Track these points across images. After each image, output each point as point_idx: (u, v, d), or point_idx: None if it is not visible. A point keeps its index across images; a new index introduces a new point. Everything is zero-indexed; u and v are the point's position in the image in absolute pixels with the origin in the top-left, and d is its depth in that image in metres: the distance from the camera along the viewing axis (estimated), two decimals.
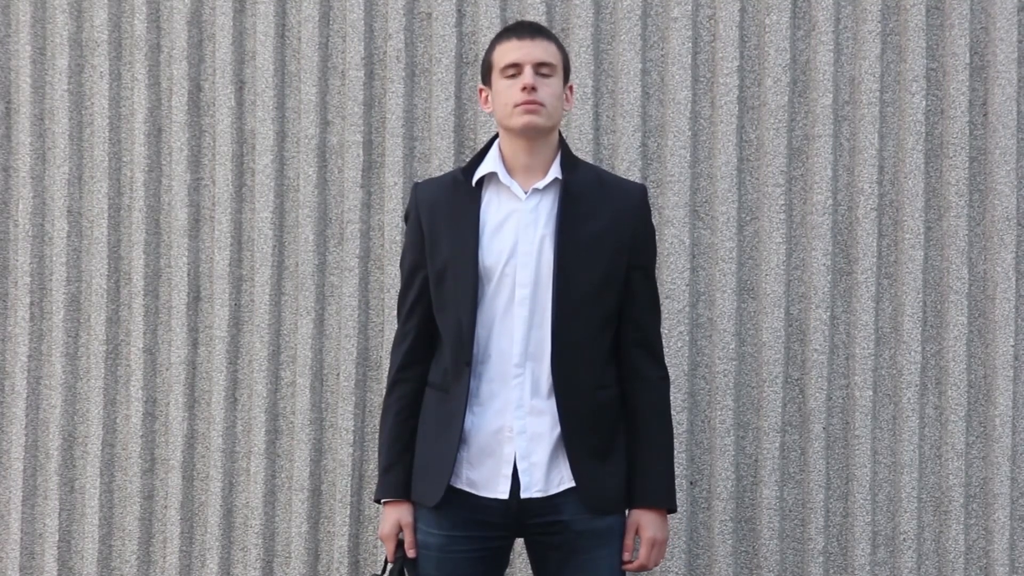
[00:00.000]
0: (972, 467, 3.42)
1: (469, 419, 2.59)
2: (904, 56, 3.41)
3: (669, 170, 3.40)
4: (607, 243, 2.57)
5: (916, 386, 3.39)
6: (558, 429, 2.56)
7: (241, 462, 3.52)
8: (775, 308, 3.38)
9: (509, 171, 2.60)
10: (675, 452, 3.35)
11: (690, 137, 3.40)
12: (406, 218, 2.70)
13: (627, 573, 2.63)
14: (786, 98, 3.39)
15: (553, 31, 3.41)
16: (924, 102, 3.40)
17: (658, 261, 3.40)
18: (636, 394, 2.63)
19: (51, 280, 3.59)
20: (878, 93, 3.39)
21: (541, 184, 2.57)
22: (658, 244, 3.41)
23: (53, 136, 3.60)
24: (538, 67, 2.54)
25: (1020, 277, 3.42)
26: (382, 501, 2.64)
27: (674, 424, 3.35)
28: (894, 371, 3.41)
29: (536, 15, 3.40)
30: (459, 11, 3.44)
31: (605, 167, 3.41)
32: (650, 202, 3.41)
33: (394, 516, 2.61)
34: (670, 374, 3.36)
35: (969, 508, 3.42)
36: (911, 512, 3.39)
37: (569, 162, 2.61)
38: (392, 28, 3.46)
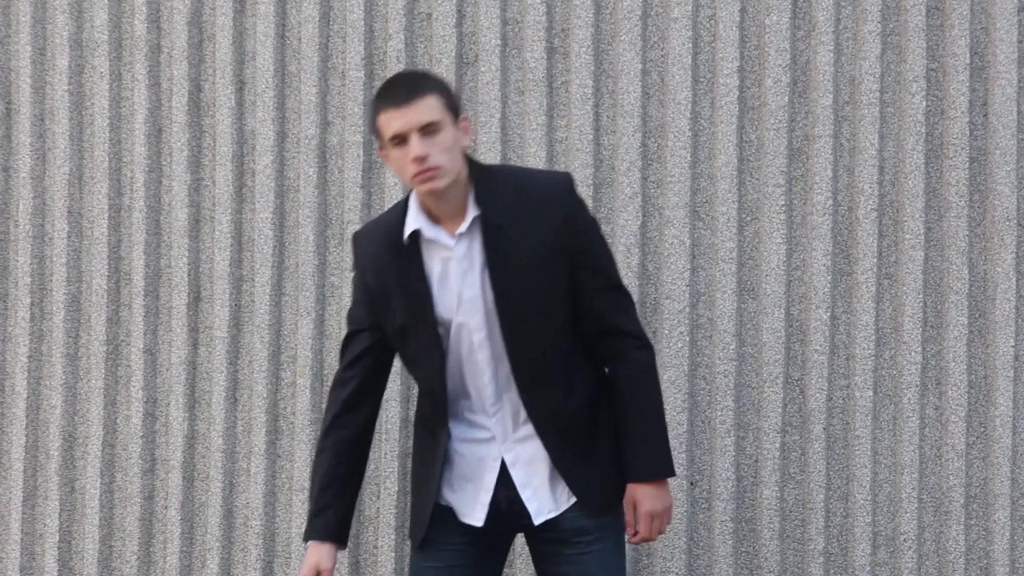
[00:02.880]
0: (972, 467, 3.42)
1: (453, 448, 2.63)
2: (904, 56, 3.41)
3: (669, 170, 3.40)
4: (542, 260, 2.52)
5: (916, 386, 3.39)
6: (540, 451, 2.59)
7: (241, 463, 3.52)
8: (775, 308, 3.38)
9: (433, 219, 2.54)
10: (675, 451, 3.35)
11: (690, 137, 3.40)
12: (353, 267, 2.68)
13: (633, 548, 2.65)
14: (786, 98, 3.39)
15: (552, 32, 3.42)
16: (924, 102, 3.40)
17: (658, 261, 3.40)
18: (617, 374, 2.62)
19: (51, 280, 3.59)
20: (878, 93, 3.39)
21: (463, 228, 2.51)
22: (658, 244, 3.41)
23: (53, 136, 3.60)
24: (423, 129, 2.43)
25: (1020, 277, 3.42)
26: (306, 543, 2.68)
27: (674, 424, 3.36)
28: (894, 371, 3.41)
29: (536, 15, 3.40)
30: (459, 11, 3.44)
31: (605, 168, 3.41)
32: (647, 202, 3.40)
33: (313, 559, 2.64)
34: (670, 374, 3.37)
35: (969, 508, 3.41)
36: (911, 512, 3.39)
37: (484, 191, 2.52)
38: (392, 28, 3.46)
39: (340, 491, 2.65)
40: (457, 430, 2.63)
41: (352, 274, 2.72)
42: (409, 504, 2.77)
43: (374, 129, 2.51)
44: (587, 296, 2.57)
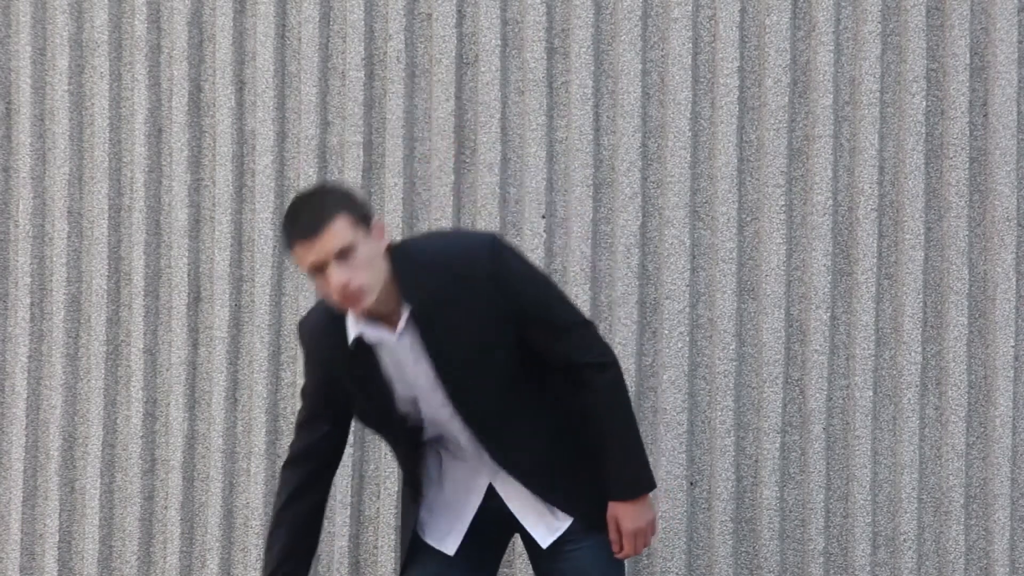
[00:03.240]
0: (972, 467, 3.42)
1: (440, 473, 2.65)
2: (904, 57, 3.41)
3: (669, 171, 3.40)
4: (484, 334, 2.46)
5: (916, 387, 3.39)
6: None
7: (242, 463, 3.52)
8: (775, 309, 3.38)
9: (373, 317, 2.48)
10: (675, 451, 3.35)
11: (690, 138, 3.40)
12: (303, 357, 2.64)
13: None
14: (786, 99, 3.39)
15: (552, 32, 3.42)
16: (924, 102, 3.40)
17: (658, 261, 3.40)
18: (584, 402, 2.56)
19: (51, 281, 3.59)
20: (878, 94, 3.39)
21: (400, 326, 2.44)
22: (658, 244, 3.41)
23: (53, 137, 3.60)
24: (338, 255, 2.34)
25: (1020, 277, 3.42)
26: None
27: (674, 424, 3.36)
28: (894, 372, 3.41)
29: (536, 16, 3.40)
30: (459, 11, 3.44)
31: (605, 168, 3.41)
32: (647, 203, 3.40)
33: None
34: (670, 374, 3.37)
35: (969, 509, 3.42)
36: (911, 513, 3.39)
37: (410, 284, 2.44)
38: (392, 29, 3.46)
39: (297, 564, 2.64)
40: (445, 460, 2.64)
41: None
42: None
43: (290, 255, 2.46)
44: (544, 345, 2.52)
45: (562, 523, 2.59)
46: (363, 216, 2.39)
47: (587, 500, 2.60)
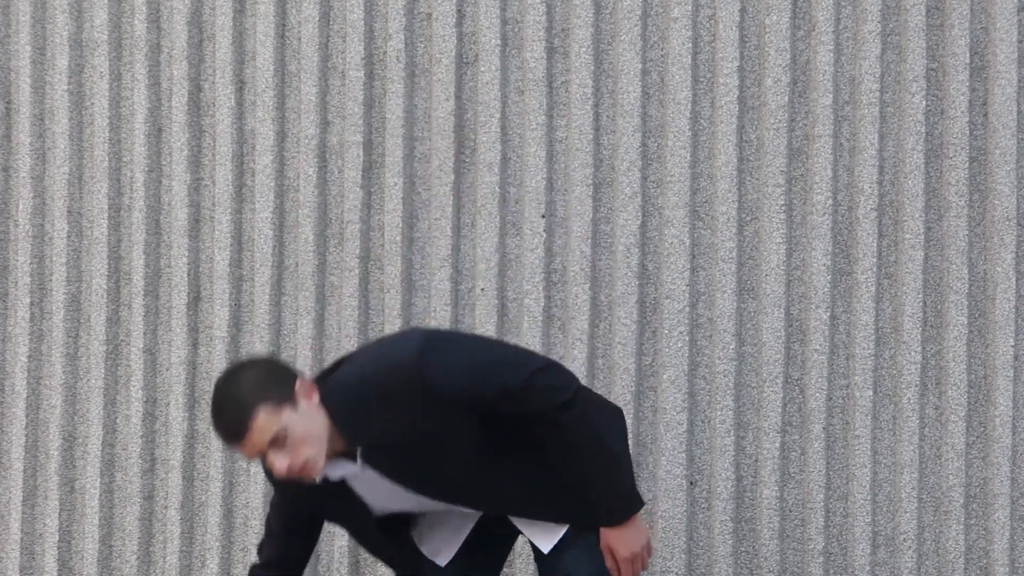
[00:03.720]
0: (972, 467, 3.42)
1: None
2: (904, 56, 3.41)
3: (669, 170, 3.40)
4: (439, 437, 2.40)
5: (916, 386, 3.39)
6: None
7: (242, 462, 3.52)
8: (775, 308, 3.38)
9: (333, 458, 2.45)
10: (675, 451, 3.35)
11: (690, 137, 3.40)
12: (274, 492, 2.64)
13: None
14: (786, 98, 3.39)
15: (552, 32, 3.42)
16: (924, 102, 3.40)
17: (658, 261, 3.40)
18: (556, 439, 2.49)
19: (51, 280, 3.59)
20: (878, 93, 3.39)
21: (359, 464, 2.43)
22: (658, 245, 3.41)
23: (53, 136, 3.60)
24: (271, 444, 2.31)
25: (1020, 277, 3.42)
26: None
27: (674, 424, 3.36)
28: (894, 371, 3.41)
29: (536, 15, 3.40)
30: (459, 11, 3.44)
31: (605, 168, 3.41)
32: (647, 202, 3.41)
33: None
34: (670, 374, 3.37)
35: (969, 508, 3.42)
36: (911, 512, 3.39)
37: (351, 427, 2.39)
38: (392, 28, 3.46)
39: None
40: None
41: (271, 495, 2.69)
42: None
43: None
44: (506, 412, 2.45)
45: (563, 526, 2.59)
46: (284, 393, 2.32)
47: (583, 506, 2.59)
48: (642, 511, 2.56)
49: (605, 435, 2.48)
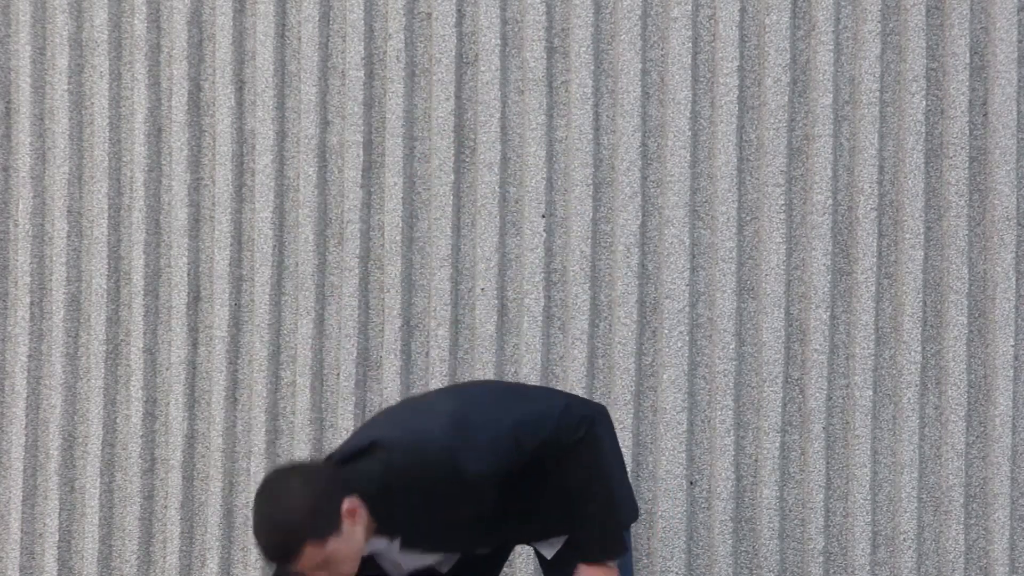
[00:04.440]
0: (972, 467, 3.42)
1: None
2: (904, 56, 3.41)
3: (669, 170, 3.40)
4: (471, 515, 2.44)
5: (916, 386, 3.39)
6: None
7: (241, 462, 3.52)
8: (775, 308, 3.38)
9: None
10: (674, 451, 3.35)
11: (690, 137, 3.40)
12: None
13: None
14: (786, 98, 3.39)
15: (552, 32, 3.42)
16: (924, 102, 3.40)
17: (658, 261, 3.40)
18: (559, 466, 2.49)
19: (51, 280, 3.59)
20: (878, 93, 3.39)
21: (389, 540, 2.45)
22: (658, 244, 3.41)
23: (53, 136, 3.60)
24: (312, 571, 2.33)
25: (1020, 277, 3.42)
26: None
27: (674, 424, 3.36)
28: (894, 371, 3.42)
29: (536, 15, 3.40)
30: (459, 11, 3.44)
31: (605, 167, 3.41)
32: (647, 202, 3.41)
33: None
34: (670, 374, 3.37)
35: (969, 508, 3.42)
36: (911, 512, 3.39)
37: (388, 522, 2.41)
38: (392, 28, 3.46)
39: None
40: None
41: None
42: None
43: None
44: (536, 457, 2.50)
45: (561, 540, 2.60)
46: (332, 523, 2.32)
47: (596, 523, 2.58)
48: (616, 563, 2.54)
49: (608, 466, 2.48)
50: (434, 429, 2.39)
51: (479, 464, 2.36)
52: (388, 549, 2.48)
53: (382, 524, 2.40)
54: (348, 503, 2.34)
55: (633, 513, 2.58)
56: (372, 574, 2.57)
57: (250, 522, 3.48)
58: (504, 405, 2.46)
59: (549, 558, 2.59)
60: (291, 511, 2.28)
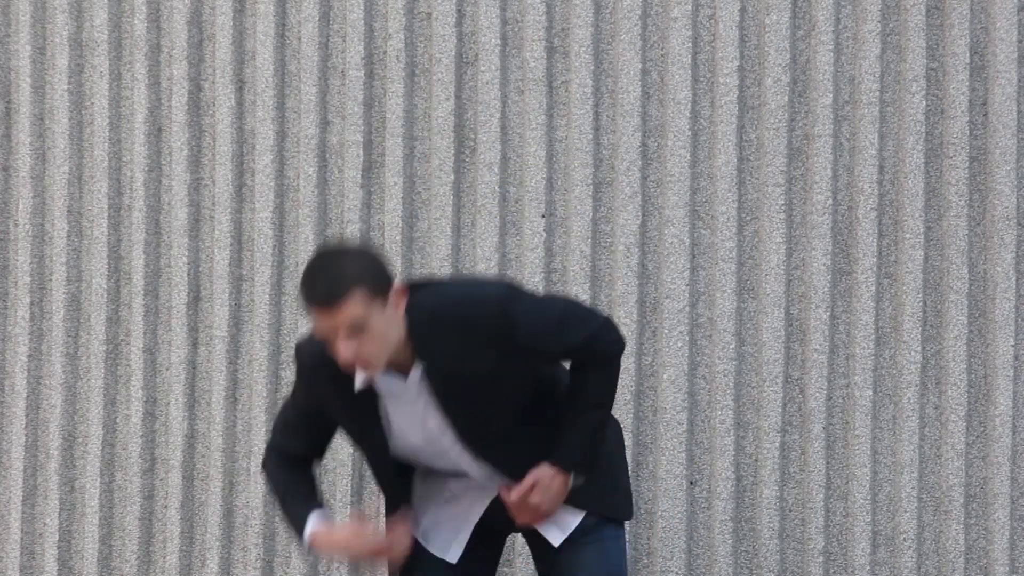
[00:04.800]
0: (972, 467, 3.42)
1: (441, 485, 2.64)
2: (904, 56, 3.41)
3: (669, 170, 3.40)
4: (495, 382, 2.45)
5: (916, 386, 3.39)
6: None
7: (241, 462, 3.52)
8: (775, 308, 3.38)
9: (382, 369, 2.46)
10: (674, 451, 3.35)
11: (690, 137, 3.40)
12: (297, 383, 2.60)
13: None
14: (786, 98, 3.39)
15: (552, 32, 3.41)
16: (924, 102, 3.40)
17: (658, 261, 3.40)
18: (582, 363, 2.56)
19: (51, 280, 3.59)
20: (878, 93, 3.39)
21: (413, 379, 2.44)
22: (658, 244, 3.41)
23: (53, 136, 3.60)
24: (348, 330, 2.30)
25: (1020, 277, 3.42)
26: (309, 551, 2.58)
27: (674, 424, 3.36)
28: (894, 371, 3.41)
29: (536, 15, 3.40)
30: (459, 11, 3.44)
31: (605, 167, 3.41)
32: (647, 202, 3.41)
33: (346, 530, 2.54)
34: (670, 373, 3.37)
35: (969, 508, 3.42)
36: (911, 512, 3.39)
37: (424, 340, 2.42)
38: (392, 28, 3.46)
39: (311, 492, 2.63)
40: (449, 481, 2.63)
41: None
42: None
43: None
44: (570, 359, 2.56)
45: (573, 519, 2.58)
46: (382, 287, 2.34)
47: (599, 490, 2.59)
48: (574, 484, 2.53)
49: (613, 391, 2.58)
50: (495, 285, 2.54)
51: (526, 320, 2.43)
52: (399, 398, 2.46)
53: (420, 350, 2.41)
54: (399, 285, 2.39)
55: (588, 472, 2.58)
56: (381, 461, 2.54)
57: (248, 525, 3.48)
58: (557, 298, 2.66)
59: (556, 545, 2.57)
60: (346, 263, 2.33)
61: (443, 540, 2.63)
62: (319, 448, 2.63)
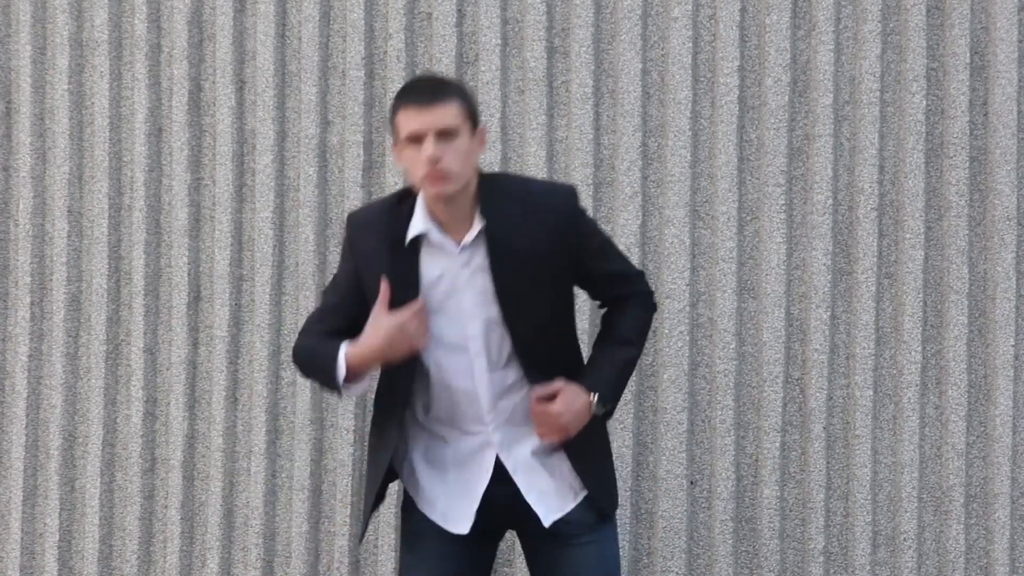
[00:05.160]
0: (972, 467, 3.42)
1: (441, 453, 2.61)
2: (904, 56, 3.41)
3: (669, 170, 3.40)
4: (544, 269, 2.52)
5: (916, 386, 3.39)
6: (541, 448, 2.57)
7: (241, 462, 3.52)
8: (775, 308, 3.38)
9: (438, 224, 2.52)
10: (675, 451, 3.35)
11: (690, 137, 3.40)
12: (345, 250, 2.64)
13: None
14: (786, 98, 3.39)
15: (552, 32, 3.42)
16: (924, 102, 3.40)
17: (658, 261, 3.40)
18: (620, 305, 2.65)
19: (51, 280, 3.59)
20: (878, 93, 3.39)
21: (469, 238, 2.49)
22: (658, 244, 3.41)
23: (53, 136, 3.60)
24: (439, 134, 2.41)
25: (1020, 277, 3.42)
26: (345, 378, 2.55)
27: (674, 424, 3.36)
28: (894, 371, 3.41)
29: (536, 15, 3.40)
30: (459, 11, 3.44)
31: (605, 167, 3.41)
32: (647, 202, 3.41)
33: (383, 324, 2.52)
34: (670, 373, 3.38)
35: (969, 508, 3.42)
36: (911, 512, 3.39)
37: (490, 202, 2.51)
38: (392, 28, 3.46)
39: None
40: (449, 435, 2.61)
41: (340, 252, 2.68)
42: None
43: (392, 126, 2.50)
44: (601, 288, 2.65)
45: (566, 504, 2.57)
46: (474, 115, 2.50)
47: (599, 475, 2.59)
48: (596, 411, 2.55)
49: (645, 335, 2.69)
50: (561, 183, 2.71)
51: (586, 224, 2.57)
52: (445, 262, 2.50)
53: (485, 205, 2.50)
54: (483, 127, 2.54)
55: (613, 406, 2.63)
56: (408, 298, 2.53)
57: (248, 525, 3.48)
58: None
59: (547, 525, 2.56)
60: (449, 80, 2.54)
61: (453, 511, 2.59)
62: (352, 327, 2.60)
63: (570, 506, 2.58)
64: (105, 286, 3.56)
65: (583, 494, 2.58)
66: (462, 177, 2.45)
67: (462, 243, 2.49)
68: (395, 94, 2.50)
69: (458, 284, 2.52)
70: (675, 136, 3.40)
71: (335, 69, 3.49)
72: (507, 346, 2.54)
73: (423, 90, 2.45)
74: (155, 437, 3.56)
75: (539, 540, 2.61)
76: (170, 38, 3.55)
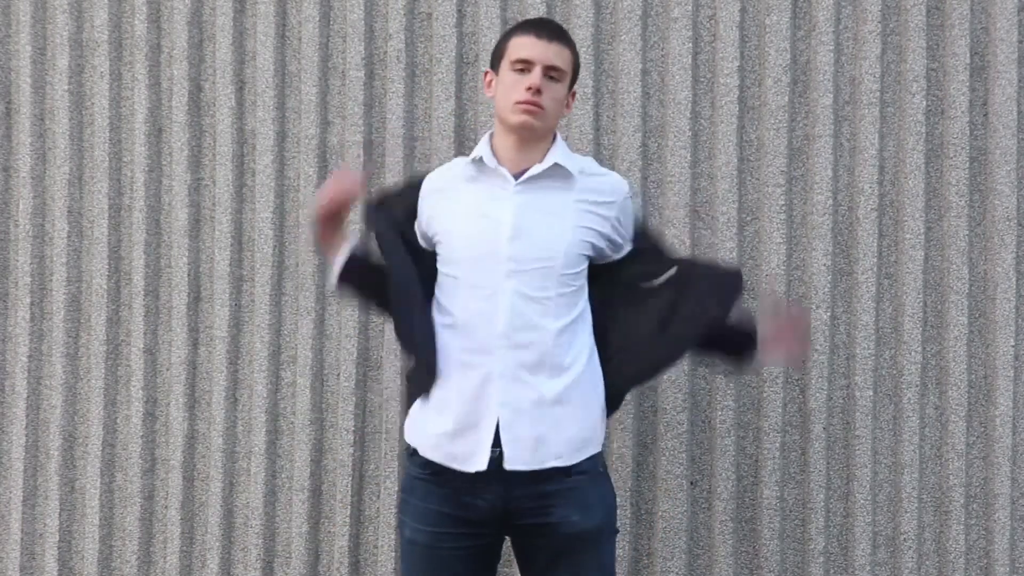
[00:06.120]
0: (973, 467, 3.42)
1: (451, 389, 2.57)
2: (904, 56, 3.41)
3: (669, 170, 3.40)
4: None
5: (916, 386, 3.39)
6: (540, 401, 2.54)
7: (241, 462, 3.52)
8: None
9: (498, 160, 2.62)
10: (675, 451, 3.35)
11: (690, 137, 3.40)
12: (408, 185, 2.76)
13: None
14: (786, 98, 3.39)
15: None
16: (924, 102, 3.40)
17: None
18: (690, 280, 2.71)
19: (51, 280, 3.60)
20: (878, 93, 3.39)
21: (538, 170, 2.58)
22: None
23: (53, 136, 3.60)
24: (548, 70, 2.56)
25: (1020, 277, 3.42)
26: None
27: (674, 424, 3.36)
28: (894, 371, 3.41)
29: (536, 15, 3.40)
30: (459, 11, 3.44)
31: (605, 167, 3.41)
32: (647, 202, 3.41)
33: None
34: (670, 373, 3.37)
35: (970, 508, 3.42)
36: (912, 512, 3.39)
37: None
38: (392, 28, 3.46)
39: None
40: (457, 360, 2.58)
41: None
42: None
43: (497, 50, 2.62)
44: (636, 271, 2.71)
45: (535, 463, 2.52)
46: (576, 74, 2.67)
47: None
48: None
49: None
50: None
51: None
52: (495, 192, 2.58)
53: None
54: (575, 91, 2.72)
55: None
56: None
57: (248, 525, 3.48)
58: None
59: (508, 468, 2.52)
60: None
61: (467, 450, 2.55)
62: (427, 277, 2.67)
63: (536, 466, 2.52)
64: (105, 286, 3.56)
65: (558, 464, 2.53)
66: (549, 119, 2.58)
67: (527, 174, 2.58)
68: (520, 22, 2.64)
69: (502, 216, 2.57)
70: (675, 136, 3.40)
71: (335, 69, 3.49)
72: (534, 283, 2.56)
73: (547, 26, 2.60)
74: (155, 438, 3.57)
75: (532, 549, 2.60)
76: (170, 38, 3.55)
